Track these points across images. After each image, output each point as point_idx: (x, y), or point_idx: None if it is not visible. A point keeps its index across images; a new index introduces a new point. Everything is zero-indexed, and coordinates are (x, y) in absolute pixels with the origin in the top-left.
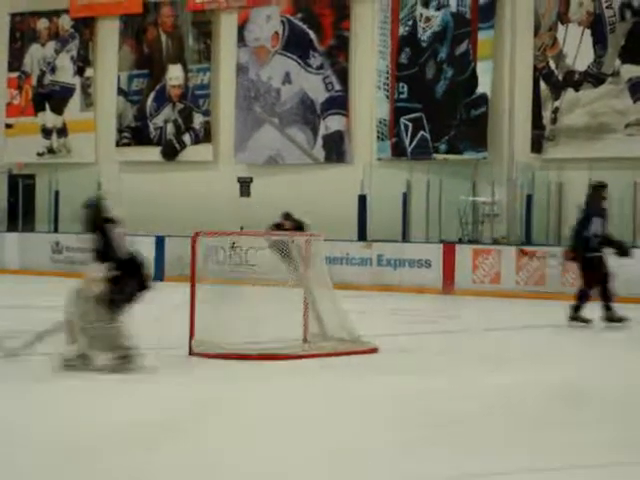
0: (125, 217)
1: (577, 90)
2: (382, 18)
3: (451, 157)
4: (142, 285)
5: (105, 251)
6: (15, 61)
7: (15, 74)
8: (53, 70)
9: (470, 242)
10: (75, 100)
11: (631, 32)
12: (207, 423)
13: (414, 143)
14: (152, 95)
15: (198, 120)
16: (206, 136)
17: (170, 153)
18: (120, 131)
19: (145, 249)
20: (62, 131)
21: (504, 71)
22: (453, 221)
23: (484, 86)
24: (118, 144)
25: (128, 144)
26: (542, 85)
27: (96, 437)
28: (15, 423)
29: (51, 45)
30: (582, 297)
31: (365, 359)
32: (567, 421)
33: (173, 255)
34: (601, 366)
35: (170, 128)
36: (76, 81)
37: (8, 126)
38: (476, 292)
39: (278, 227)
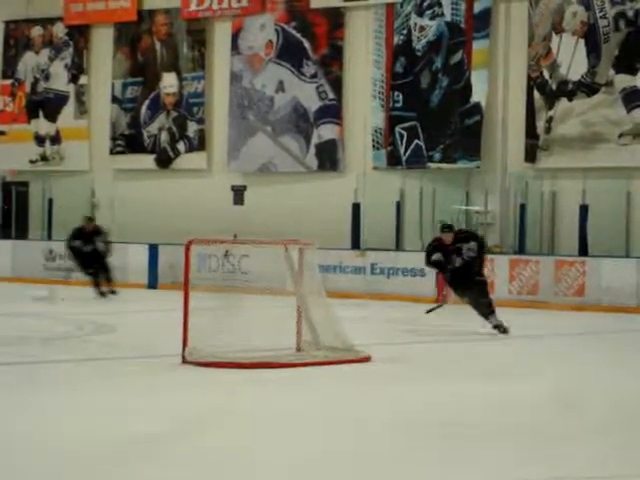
0: (119, 225)
1: (571, 100)
2: (377, 27)
3: (445, 166)
4: None
5: None
6: (9, 68)
7: (8, 81)
8: (47, 77)
9: None
10: (69, 108)
11: (625, 42)
12: (202, 432)
13: (409, 152)
14: (146, 103)
15: (192, 128)
16: (200, 144)
17: (164, 161)
18: (114, 139)
19: (139, 257)
20: (55, 139)
21: (498, 80)
22: None
23: (478, 95)
24: (112, 152)
25: (122, 152)
26: (536, 95)
27: (90, 447)
28: (15, 432)
29: (45, 52)
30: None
31: (358, 368)
32: (564, 431)
33: (166, 263)
34: (598, 375)
35: (164, 136)
36: (70, 89)
37: (1, 133)
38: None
39: None
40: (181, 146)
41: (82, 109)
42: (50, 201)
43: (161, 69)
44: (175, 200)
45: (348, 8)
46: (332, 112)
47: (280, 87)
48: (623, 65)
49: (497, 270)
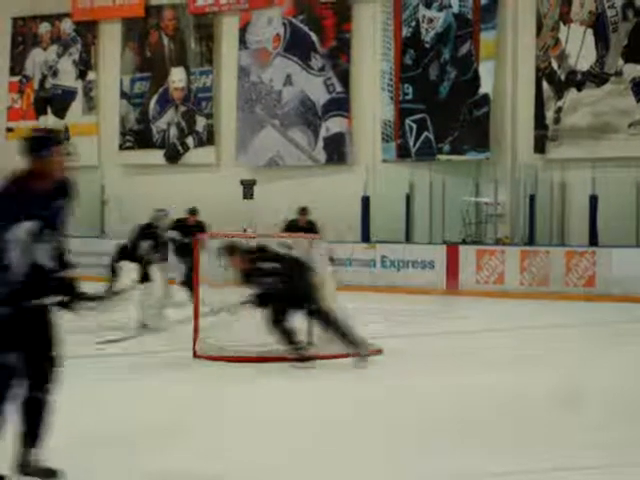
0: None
1: (580, 90)
2: (384, 19)
3: (454, 158)
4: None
5: None
6: (17, 65)
7: (16, 78)
8: (55, 74)
9: (473, 243)
10: (77, 104)
11: (633, 31)
12: (213, 425)
13: (418, 144)
14: (155, 98)
15: (201, 123)
16: (209, 139)
17: (173, 156)
18: (123, 134)
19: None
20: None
21: (506, 71)
22: (456, 222)
23: (487, 86)
24: (121, 147)
25: (131, 147)
26: (545, 85)
27: (101, 438)
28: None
29: (53, 49)
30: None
31: (369, 361)
32: (569, 422)
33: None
34: (604, 366)
35: (173, 131)
36: (78, 85)
37: (9, 130)
38: (480, 292)
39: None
40: (190, 141)
41: (90, 105)
42: None
43: (169, 64)
44: (184, 195)
45: (355, 1)
46: (340, 105)
47: (288, 81)
48: (632, 55)
49: (508, 261)
